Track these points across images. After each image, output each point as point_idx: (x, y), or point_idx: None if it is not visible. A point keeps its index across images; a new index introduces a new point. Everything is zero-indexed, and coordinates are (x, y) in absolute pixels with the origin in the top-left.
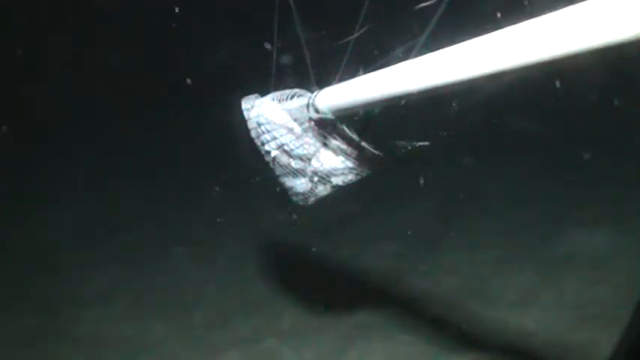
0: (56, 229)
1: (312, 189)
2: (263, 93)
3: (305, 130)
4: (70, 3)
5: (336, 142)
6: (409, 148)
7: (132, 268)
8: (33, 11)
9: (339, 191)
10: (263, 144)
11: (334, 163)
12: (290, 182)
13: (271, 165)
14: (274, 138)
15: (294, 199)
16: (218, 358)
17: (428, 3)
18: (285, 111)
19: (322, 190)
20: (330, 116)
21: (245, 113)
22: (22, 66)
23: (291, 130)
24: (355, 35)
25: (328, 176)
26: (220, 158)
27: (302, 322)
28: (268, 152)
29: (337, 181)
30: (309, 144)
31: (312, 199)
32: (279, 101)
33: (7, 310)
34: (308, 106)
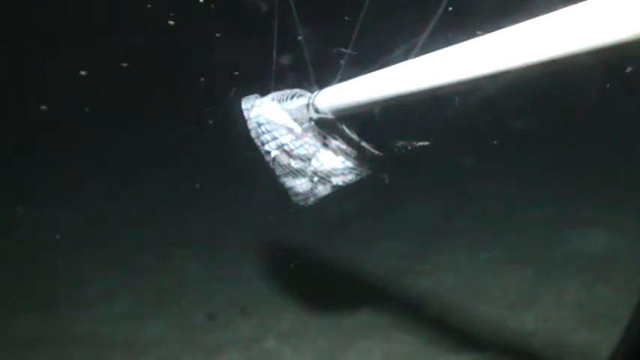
0: (56, 229)
1: (312, 189)
2: (263, 93)
3: (305, 130)
4: (70, 3)
5: (336, 142)
6: (409, 148)
7: (132, 268)
8: (31, 11)
9: (339, 191)
10: (263, 144)
11: (334, 163)
12: (290, 182)
13: (271, 165)
14: (274, 138)
15: (295, 199)
16: (218, 358)
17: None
18: (285, 111)
19: (322, 190)
20: (330, 116)
21: (245, 113)
22: (21, 66)
23: (291, 130)
24: (355, 35)
25: (328, 176)
26: (220, 158)
27: (302, 322)
28: (268, 152)
29: (337, 181)
30: (309, 144)
31: (312, 199)
32: (279, 101)
33: (7, 310)
34: (308, 106)
